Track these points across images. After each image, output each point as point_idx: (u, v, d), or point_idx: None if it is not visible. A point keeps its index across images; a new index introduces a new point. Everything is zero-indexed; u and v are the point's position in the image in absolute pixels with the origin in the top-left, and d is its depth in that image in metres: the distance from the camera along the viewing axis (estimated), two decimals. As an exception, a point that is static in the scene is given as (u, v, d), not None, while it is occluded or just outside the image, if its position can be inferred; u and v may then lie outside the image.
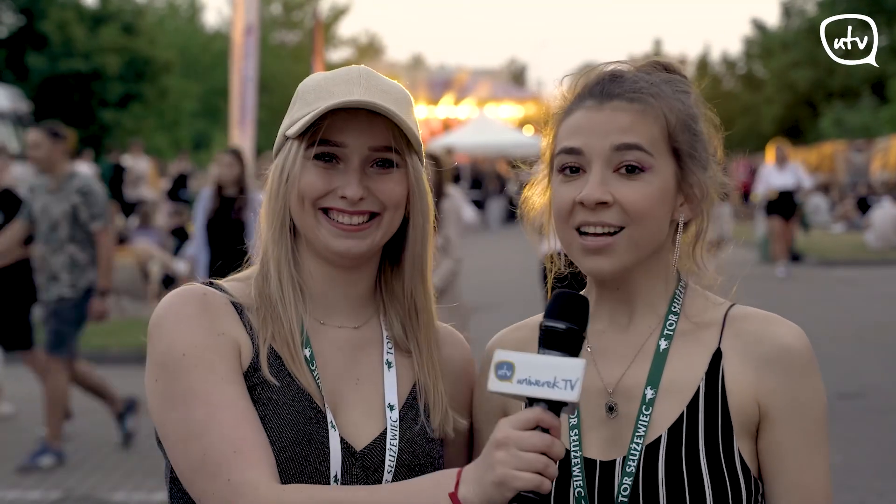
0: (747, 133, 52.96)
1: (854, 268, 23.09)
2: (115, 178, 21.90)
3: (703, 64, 64.34)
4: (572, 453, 2.19)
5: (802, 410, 2.19)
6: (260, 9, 16.49)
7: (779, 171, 21.66)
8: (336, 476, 2.24)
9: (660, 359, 2.22)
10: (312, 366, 2.30)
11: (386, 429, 2.30)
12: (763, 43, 59.87)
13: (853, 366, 12.66)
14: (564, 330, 2.05)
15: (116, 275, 11.38)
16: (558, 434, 1.99)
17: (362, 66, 2.38)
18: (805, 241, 26.36)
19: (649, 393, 2.19)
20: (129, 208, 23.41)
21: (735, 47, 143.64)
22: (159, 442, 2.30)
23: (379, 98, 2.29)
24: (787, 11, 58.03)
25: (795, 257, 23.95)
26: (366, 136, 2.30)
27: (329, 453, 2.24)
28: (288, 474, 2.21)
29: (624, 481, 2.15)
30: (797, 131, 52.84)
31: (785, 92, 54.92)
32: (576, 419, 2.21)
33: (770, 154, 22.69)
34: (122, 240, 17.60)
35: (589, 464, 2.19)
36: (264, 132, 18.78)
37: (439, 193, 8.15)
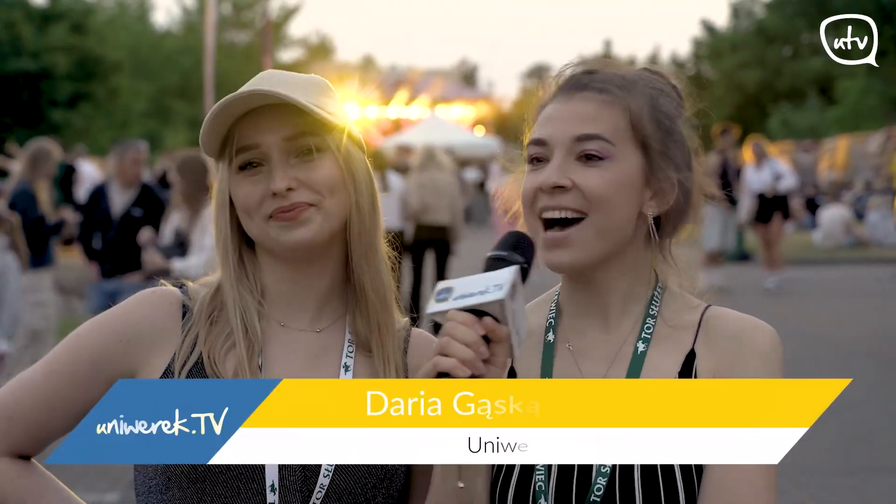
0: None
1: (803, 267, 23.28)
2: (65, 179, 21.65)
3: (652, 64, 64.54)
4: None
5: None
6: (217, 9, 16.45)
7: (756, 170, 19.24)
8: (274, 473, 2.23)
9: (637, 362, 2.23)
10: (261, 371, 2.30)
11: None
12: (712, 44, 60.26)
13: (803, 364, 12.78)
14: (509, 258, 2.06)
15: (68, 274, 11.27)
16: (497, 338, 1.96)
17: (270, 70, 2.38)
18: (753, 240, 26.57)
19: None
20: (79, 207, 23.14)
21: (684, 48, 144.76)
22: None
23: (276, 88, 2.26)
24: (736, 13, 58.50)
25: (744, 256, 24.05)
26: (276, 129, 2.28)
27: None
28: (218, 478, 2.23)
29: (598, 481, 2.15)
30: (745, 132, 53.27)
31: (734, 93, 55.29)
32: None
33: (748, 152, 20.23)
34: (72, 240, 17.42)
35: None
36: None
37: None
